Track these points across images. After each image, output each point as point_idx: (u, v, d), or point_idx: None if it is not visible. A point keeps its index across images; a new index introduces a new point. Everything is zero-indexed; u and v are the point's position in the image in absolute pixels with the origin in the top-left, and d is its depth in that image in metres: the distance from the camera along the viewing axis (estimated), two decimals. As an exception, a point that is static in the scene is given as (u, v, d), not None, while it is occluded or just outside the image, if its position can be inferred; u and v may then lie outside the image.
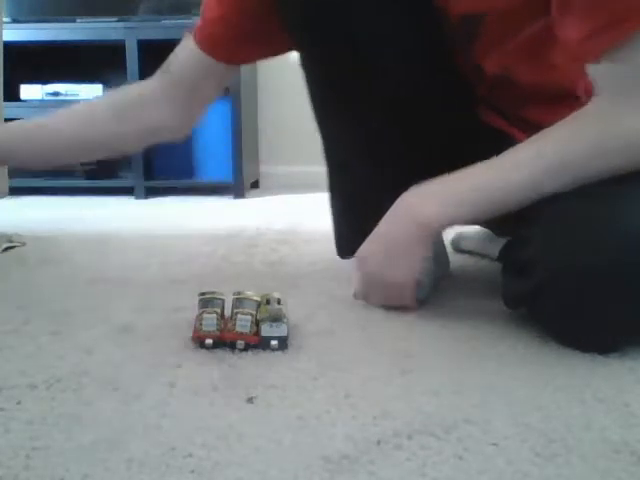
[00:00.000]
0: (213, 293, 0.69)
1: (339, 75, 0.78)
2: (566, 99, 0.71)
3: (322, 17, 0.74)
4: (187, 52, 0.87)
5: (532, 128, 0.68)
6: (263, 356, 0.63)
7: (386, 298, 0.77)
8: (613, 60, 0.61)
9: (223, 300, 0.69)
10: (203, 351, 0.65)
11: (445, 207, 0.69)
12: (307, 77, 0.82)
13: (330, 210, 0.92)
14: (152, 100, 0.89)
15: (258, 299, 0.67)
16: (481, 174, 0.68)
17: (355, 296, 0.79)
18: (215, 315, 0.65)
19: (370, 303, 0.78)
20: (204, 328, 0.65)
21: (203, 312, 0.65)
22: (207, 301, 0.67)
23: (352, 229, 0.75)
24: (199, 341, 0.65)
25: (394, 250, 0.72)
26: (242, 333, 0.64)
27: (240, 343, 0.64)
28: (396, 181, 0.82)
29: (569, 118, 0.65)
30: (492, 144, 0.69)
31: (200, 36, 0.85)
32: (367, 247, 0.75)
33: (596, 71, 0.64)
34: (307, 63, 0.81)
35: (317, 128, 0.86)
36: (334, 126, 0.84)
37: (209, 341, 0.64)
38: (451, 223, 0.71)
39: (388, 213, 0.73)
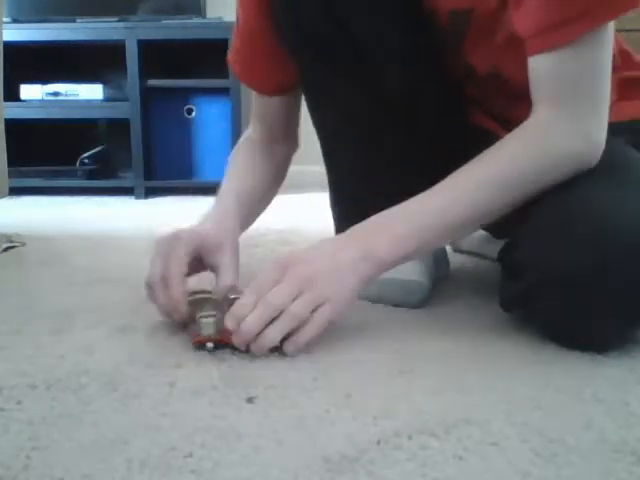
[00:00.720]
0: (204, 293, 0.68)
1: (331, 75, 0.78)
2: None
3: (313, 18, 0.75)
4: (267, 104, 0.91)
5: None
6: (263, 356, 0.63)
7: (300, 308, 0.62)
8: (560, 57, 0.63)
9: (216, 299, 0.69)
10: (203, 351, 0.65)
11: (400, 242, 0.66)
12: (302, 83, 0.83)
13: (331, 211, 0.92)
14: (264, 151, 0.94)
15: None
16: (430, 200, 0.68)
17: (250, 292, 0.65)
18: (213, 319, 0.65)
19: (266, 307, 0.62)
20: (203, 332, 0.65)
21: (201, 317, 0.65)
22: (197, 302, 0.68)
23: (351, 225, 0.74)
24: (200, 345, 0.65)
25: (337, 272, 0.64)
26: None
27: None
28: (390, 180, 0.82)
29: (514, 136, 0.68)
30: (481, 145, 0.69)
31: (262, 88, 0.90)
32: (308, 254, 0.67)
33: (539, 68, 0.65)
34: (301, 67, 0.81)
35: (317, 135, 0.87)
36: (329, 126, 0.85)
37: (210, 345, 0.64)
38: (407, 258, 0.68)
39: (339, 238, 0.69)
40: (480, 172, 0.67)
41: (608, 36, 0.63)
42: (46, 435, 0.49)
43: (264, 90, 0.90)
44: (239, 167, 0.92)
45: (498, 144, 0.68)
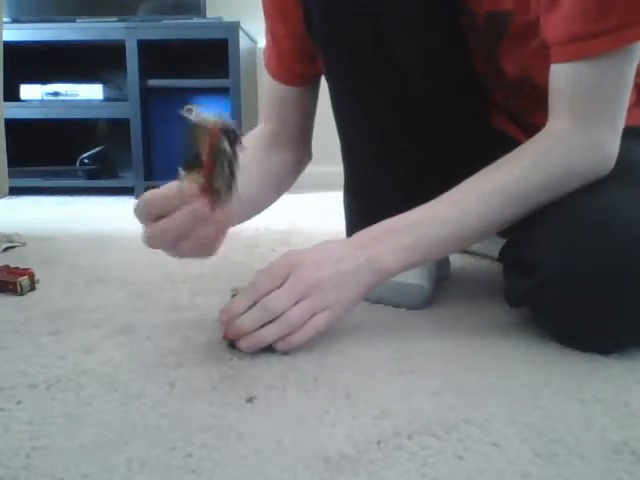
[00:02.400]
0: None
1: (358, 75, 0.77)
2: None
3: (343, 18, 0.74)
4: (284, 95, 0.88)
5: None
6: (263, 356, 0.63)
7: (298, 315, 0.62)
8: (584, 69, 0.62)
9: None
10: (203, 351, 0.65)
11: (405, 252, 0.66)
12: (328, 78, 0.82)
13: (344, 209, 0.91)
14: (274, 152, 0.90)
15: None
16: (438, 210, 0.67)
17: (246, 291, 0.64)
18: None
19: (264, 308, 0.62)
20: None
21: None
22: None
23: (365, 227, 0.73)
24: (230, 341, 0.65)
25: (342, 279, 0.64)
26: None
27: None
28: (409, 181, 0.82)
29: (528, 146, 0.67)
30: (500, 148, 0.69)
31: (285, 77, 0.87)
32: (314, 256, 0.66)
33: (561, 76, 0.64)
34: (329, 65, 0.81)
35: (337, 128, 0.86)
36: (352, 126, 0.84)
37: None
38: (412, 267, 0.68)
39: (345, 242, 0.69)
40: (491, 184, 0.66)
41: (635, 53, 0.62)
42: (46, 435, 0.49)
43: (285, 79, 0.87)
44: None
45: (511, 155, 0.67)
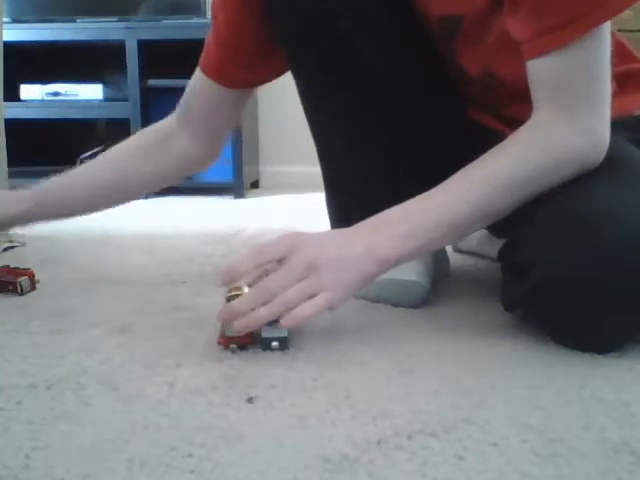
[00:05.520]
0: (238, 290, 0.66)
1: (331, 76, 0.78)
2: None
3: (312, 25, 0.74)
4: (198, 83, 0.89)
5: (521, 125, 0.69)
6: (263, 356, 0.63)
7: (294, 296, 0.62)
8: (557, 60, 0.63)
9: None
10: (203, 351, 0.65)
11: (404, 241, 0.66)
12: (297, 79, 0.83)
13: (327, 208, 0.92)
14: (172, 134, 0.92)
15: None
16: (434, 199, 0.68)
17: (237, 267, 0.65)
18: None
19: (264, 290, 0.63)
20: (227, 333, 0.64)
21: None
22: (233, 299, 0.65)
23: (347, 225, 0.74)
24: (225, 346, 0.65)
25: (342, 263, 0.64)
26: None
27: (275, 345, 0.64)
28: (390, 179, 0.82)
29: (515, 137, 0.68)
30: (482, 142, 0.70)
31: (205, 64, 0.87)
32: (318, 238, 0.67)
33: (537, 72, 0.65)
34: (298, 69, 0.81)
35: (309, 126, 0.86)
36: (326, 124, 0.85)
37: (233, 346, 0.64)
38: (411, 256, 0.68)
39: (347, 231, 0.69)
40: (483, 172, 0.67)
41: (604, 35, 0.63)
42: (46, 435, 0.49)
43: (223, 81, 0.87)
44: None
45: (501, 145, 0.68)
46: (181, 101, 0.92)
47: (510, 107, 0.79)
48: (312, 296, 0.63)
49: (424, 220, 0.67)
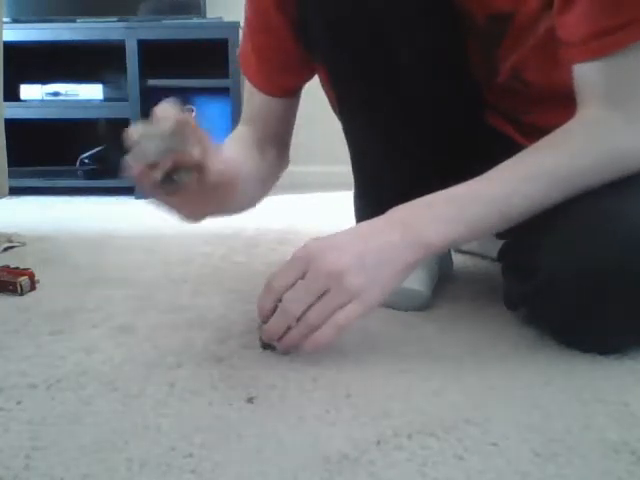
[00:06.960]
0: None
1: (357, 74, 0.77)
2: (571, 103, 0.71)
3: (344, 19, 0.73)
4: (257, 99, 0.88)
5: (537, 132, 0.68)
6: (263, 356, 0.63)
7: (315, 317, 0.59)
8: (609, 65, 0.61)
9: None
10: (203, 351, 0.65)
11: (447, 225, 0.61)
12: (333, 85, 0.82)
13: (354, 206, 0.91)
14: (257, 141, 0.88)
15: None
16: (482, 188, 0.64)
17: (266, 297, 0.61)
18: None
19: (285, 309, 0.60)
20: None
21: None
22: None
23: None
24: (266, 346, 0.65)
25: (373, 258, 0.59)
26: None
27: (276, 345, 0.63)
28: (414, 179, 0.81)
29: (567, 132, 0.65)
30: (496, 147, 0.69)
31: (254, 77, 0.87)
32: (335, 240, 0.61)
33: (586, 75, 0.64)
34: (333, 72, 0.80)
35: (345, 134, 0.86)
36: (355, 123, 0.84)
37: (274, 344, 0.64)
38: (454, 244, 0.63)
39: (376, 219, 0.64)
40: (538, 167, 0.64)
41: None
42: (46, 435, 0.49)
43: (269, 90, 0.87)
44: (234, 151, 0.82)
45: (552, 139, 0.65)
46: (247, 126, 0.89)
47: (530, 114, 0.78)
48: (342, 307, 0.59)
49: (473, 208, 0.62)
